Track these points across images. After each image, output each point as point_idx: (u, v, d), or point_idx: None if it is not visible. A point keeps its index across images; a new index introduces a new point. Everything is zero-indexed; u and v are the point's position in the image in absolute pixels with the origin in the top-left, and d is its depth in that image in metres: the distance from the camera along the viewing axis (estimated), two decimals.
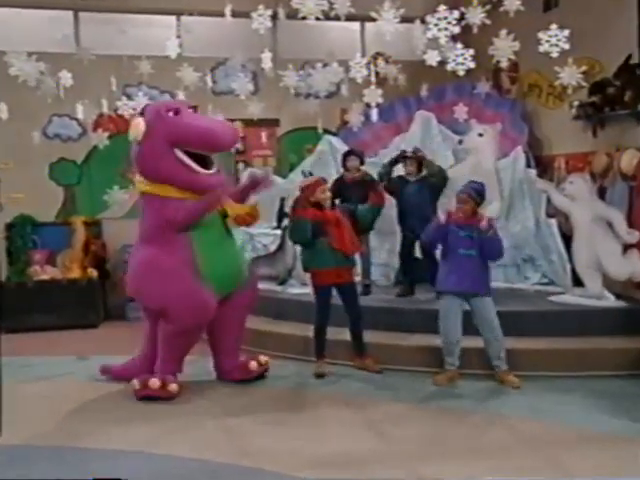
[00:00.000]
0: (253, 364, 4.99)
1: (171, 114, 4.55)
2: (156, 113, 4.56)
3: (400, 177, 6.35)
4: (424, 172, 6.23)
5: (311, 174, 5.39)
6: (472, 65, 4.93)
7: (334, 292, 5.16)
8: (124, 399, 4.70)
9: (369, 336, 5.34)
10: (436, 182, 6.13)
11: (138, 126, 4.54)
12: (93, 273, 7.65)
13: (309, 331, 5.51)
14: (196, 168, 4.53)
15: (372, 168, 7.26)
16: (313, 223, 4.92)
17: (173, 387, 4.64)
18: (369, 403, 4.55)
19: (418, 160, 6.21)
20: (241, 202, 4.89)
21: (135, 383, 4.68)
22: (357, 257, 6.43)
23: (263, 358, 5.12)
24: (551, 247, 6.32)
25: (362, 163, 6.52)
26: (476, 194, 4.83)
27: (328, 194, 5.03)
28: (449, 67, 4.93)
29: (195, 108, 4.64)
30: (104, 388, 4.98)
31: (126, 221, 7.72)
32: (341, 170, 6.65)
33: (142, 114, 4.70)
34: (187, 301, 4.55)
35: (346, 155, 6.55)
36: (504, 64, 4.85)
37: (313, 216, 4.94)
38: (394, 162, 6.36)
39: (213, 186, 4.59)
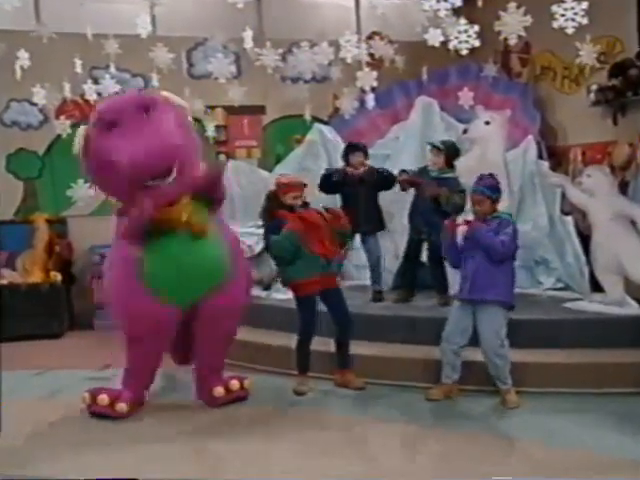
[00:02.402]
0: (219, 390, 4.72)
1: (103, 127, 4.27)
2: (92, 128, 4.36)
3: (423, 167, 6.17)
4: (451, 173, 5.99)
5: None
6: (477, 43, 4.81)
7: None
8: (83, 420, 4.56)
9: (357, 347, 5.22)
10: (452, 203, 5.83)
11: (78, 138, 4.43)
12: (57, 277, 7.53)
13: (295, 342, 5.39)
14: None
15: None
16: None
17: (121, 407, 4.51)
18: (357, 423, 4.43)
19: (447, 152, 6.00)
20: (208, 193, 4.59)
21: (86, 396, 4.61)
22: (366, 261, 6.38)
23: (236, 382, 4.82)
24: (567, 248, 6.25)
25: (366, 157, 6.37)
26: (491, 191, 4.69)
27: (298, 202, 4.91)
28: (451, 45, 4.80)
29: (146, 109, 4.30)
30: (61, 407, 4.83)
31: (94, 219, 7.65)
32: (341, 164, 6.46)
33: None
34: (127, 307, 4.51)
35: (349, 150, 6.37)
36: (513, 42, 4.70)
37: (296, 226, 4.77)
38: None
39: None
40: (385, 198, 6.39)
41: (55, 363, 6.12)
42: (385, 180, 6.18)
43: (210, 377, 4.80)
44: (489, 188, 4.70)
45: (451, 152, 6.03)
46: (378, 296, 6.27)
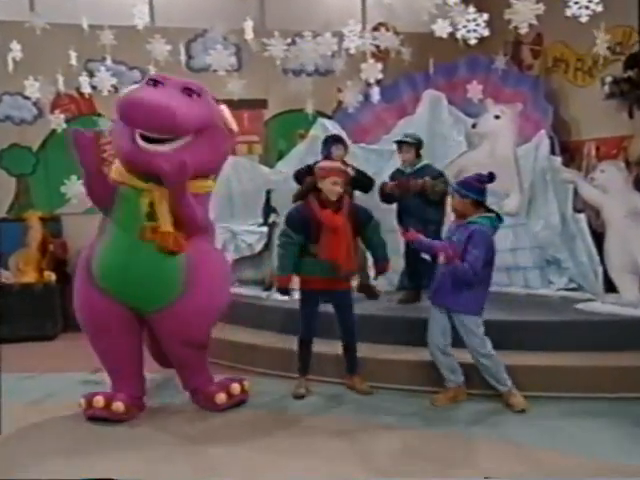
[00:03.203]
0: (221, 396, 4.70)
1: (151, 83, 4.40)
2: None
3: (396, 170, 6.18)
4: (423, 162, 6.04)
5: None
6: (486, 33, 4.76)
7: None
8: (76, 425, 4.53)
9: (363, 350, 5.18)
10: (438, 189, 5.89)
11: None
12: (51, 277, 7.49)
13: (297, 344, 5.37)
14: (138, 141, 4.28)
15: (373, 155, 7.15)
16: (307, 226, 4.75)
17: (117, 406, 4.51)
18: (361, 429, 4.37)
19: (416, 145, 6.02)
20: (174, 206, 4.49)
21: (82, 401, 4.63)
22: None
23: (237, 386, 4.81)
24: (579, 247, 6.21)
25: (346, 151, 6.34)
26: (466, 190, 4.54)
27: (338, 189, 4.78)
28: (459, 35, 4.75)
29: (190, 91, 4.39)
30: (54, 412, 4.79)
31: (89, 217, 7.49)
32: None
33: None
34: (77, 298, 4.69)
35: (331, 142, 6.32)
36: (524, 31, 4.65)
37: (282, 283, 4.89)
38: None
39: (157, 167, 4.27)
40: None
41: (48, 366, 6.09)
42: (366, 182, 6.18)
43: (201, 381, 4.78)
44: (464, 186, 4.58)
45: (419, 144, 6.07)
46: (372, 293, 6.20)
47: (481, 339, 4.58)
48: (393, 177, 6.13)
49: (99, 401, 4.52)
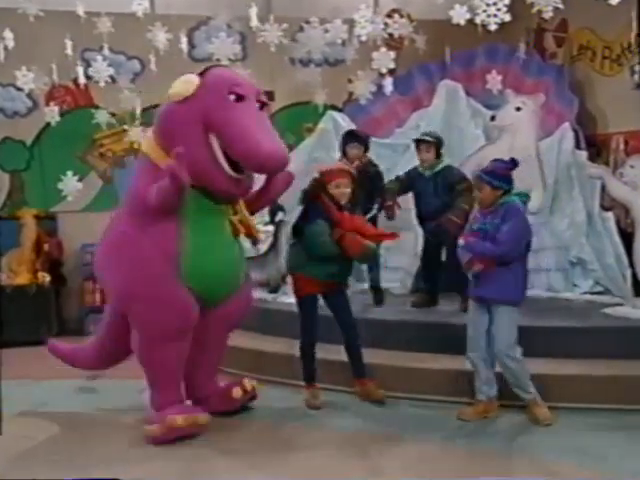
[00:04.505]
0: (237, 391, 4.73)
1: (232, 97, 4.29)
2: (215, 89, 4.34)
3: (413, 169, 6.09)
4: (444, 163, 5.92)
5: None
6: (507, 18, 4.66)
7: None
8: (68, 435, 4.52)
9: (376, 356, 5.16)
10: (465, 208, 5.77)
11: (188, 84, 4.32)
12: (45, 278, 7.53)
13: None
14: (223, 165, 4.32)
15: (386, 150, 7.10)
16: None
17: (203, 418, 4.41)
18: (375, 443, 4.33)
19: (437, 144, 5.91)
20: (257, 207, 4.89)
21: (153, 428, 4.32)
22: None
23: (248, 383, 4.86)
24: (606, 248, 6.20)
25: (366, 150, 6.23)
26: (490, 178, 4.51)
27: (347, 191, 4.80)
28: (478, 20, 4.66)
29: (263, 104, 4.48)
30: (46, 421, 4.78)
31: (87, 215, 7.70)
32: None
33: (202, 74, 4.47)
34: (158, 299, 4.35)
35: (347, 140, 6.23)
36: (548, 15, 4.55)
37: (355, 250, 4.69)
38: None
39: (231, 193, 4.49)
40: None
41: (41, 372, 6.07)
42: (373, 182, 6.03)
43: (211, 388, 4.78)
44: (488, 174, 4.54)
45: (439, 143, 5.94)
46: (380, 296, 6.22)
47: (513, 337, 4.48)
48: (409, 174, 6.04)
49: (186, 419, 4.32)
